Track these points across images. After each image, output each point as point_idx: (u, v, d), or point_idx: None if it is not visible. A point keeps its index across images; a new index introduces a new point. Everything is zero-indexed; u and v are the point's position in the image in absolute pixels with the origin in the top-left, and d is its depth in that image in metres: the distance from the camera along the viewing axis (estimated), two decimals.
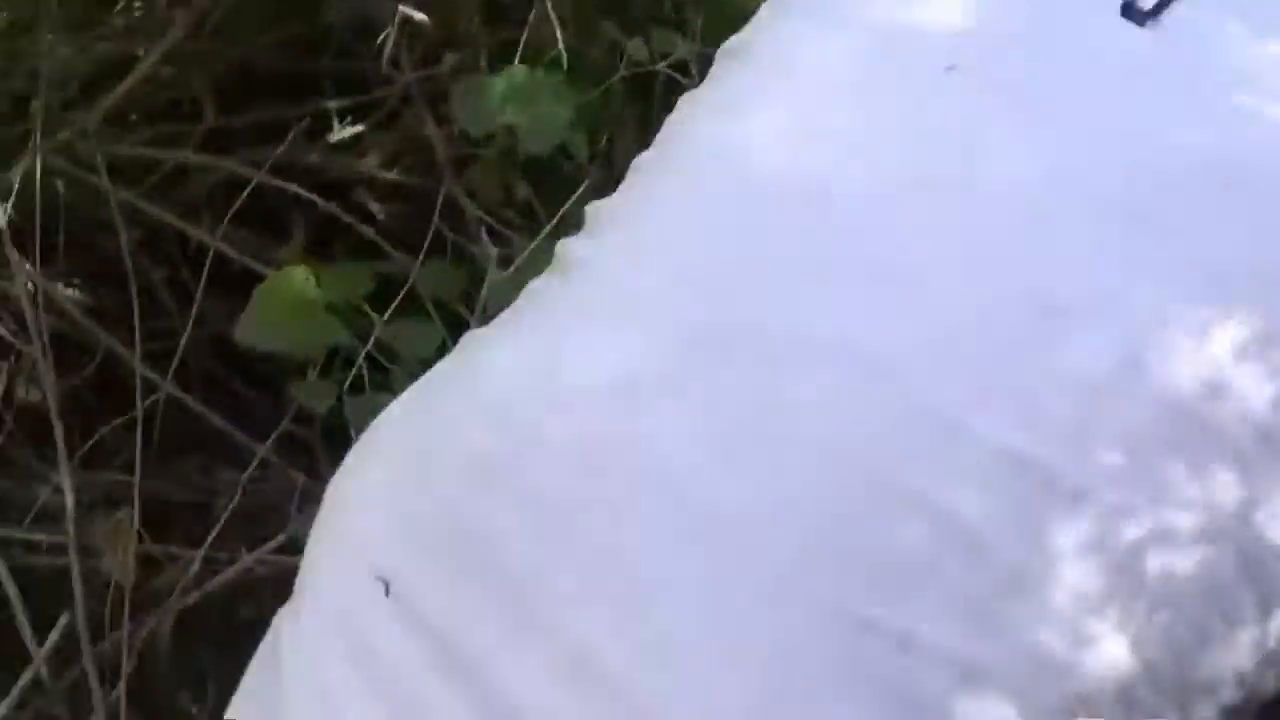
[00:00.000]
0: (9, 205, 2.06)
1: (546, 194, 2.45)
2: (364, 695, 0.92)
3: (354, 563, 0.96)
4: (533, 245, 1.96)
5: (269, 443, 2.30)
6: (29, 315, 2.14)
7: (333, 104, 2.65)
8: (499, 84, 2.10)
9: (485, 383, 1.08)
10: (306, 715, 0.95)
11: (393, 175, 2.66)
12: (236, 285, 2.47)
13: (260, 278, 2.23)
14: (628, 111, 2.43)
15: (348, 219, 2.45)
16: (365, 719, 0.91)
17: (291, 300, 2.10)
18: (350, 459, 1.16)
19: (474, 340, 1.26)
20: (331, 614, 0.96)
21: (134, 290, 2.28)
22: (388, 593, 0.91)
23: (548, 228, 1.97)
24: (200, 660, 2.41)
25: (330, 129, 2.63)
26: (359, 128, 2.67)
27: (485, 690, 0.88)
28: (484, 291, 2.04)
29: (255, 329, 2.12)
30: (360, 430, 2.04)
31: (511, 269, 2.04)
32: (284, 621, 1.05)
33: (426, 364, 2.10)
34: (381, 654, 0.90)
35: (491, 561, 0.90)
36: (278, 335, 2.11)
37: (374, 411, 2.05)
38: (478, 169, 2.49)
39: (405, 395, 1.19)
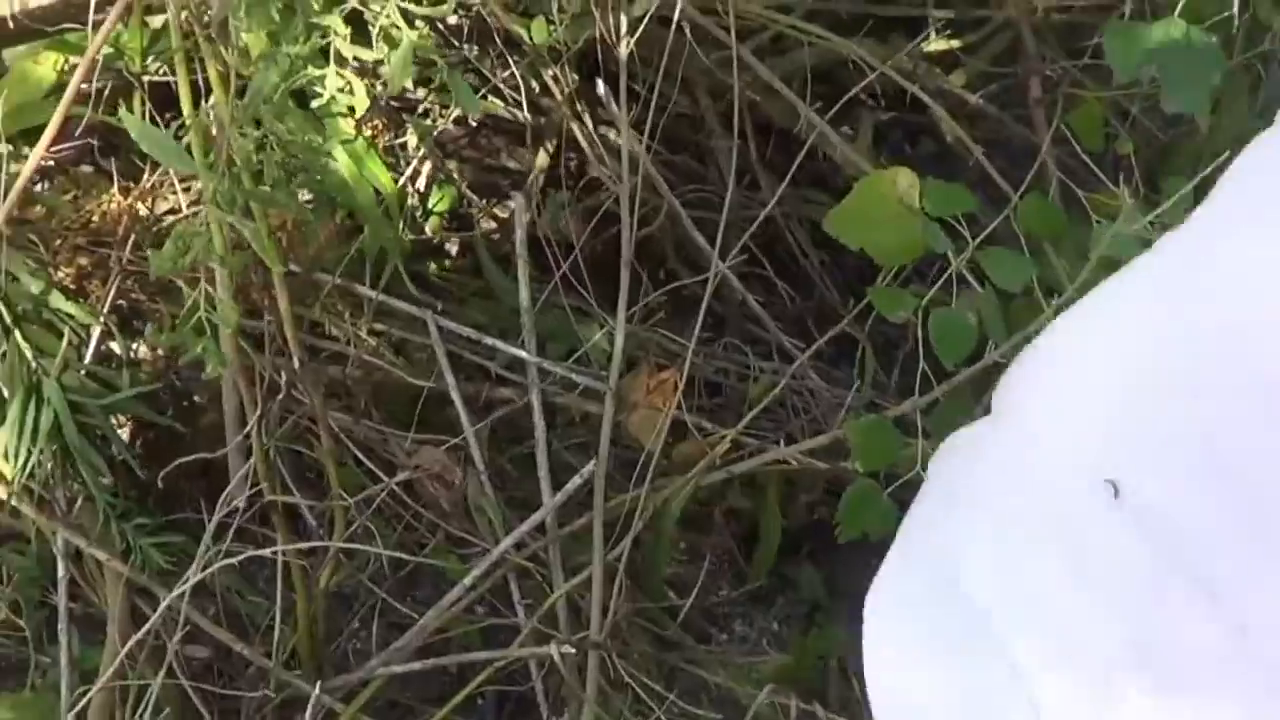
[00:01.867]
0: (631, 40, 2.05)
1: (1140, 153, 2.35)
2: (1081, 592, 0.89)
3: (1075, 463, 0.92)
4: (1151, 216, 1.83)
5: (817, 345, 2.27)
6: (624, 162, 2.14)
7: (935, 13, 2.56)
8: (1154, 33, 1.98)
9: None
10: (1001, 600, 0.92)
11: (974, 99, 2.57)
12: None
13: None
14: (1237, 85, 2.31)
15: (955, 136, 2.37)
16: (1086, 615, 0.88)
17: (893, 203, 2.04)
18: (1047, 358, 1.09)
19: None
20: (1043, 513, 0.92)
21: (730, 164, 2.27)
22: (1116, 495, 0.87)
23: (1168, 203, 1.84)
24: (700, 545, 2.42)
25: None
26: (955, 43, 2.60)
27: (1224, 606, 0.83)
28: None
29: (849, 223, 2.07)
30: (942, 343, 2.01)
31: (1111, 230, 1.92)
32: (967, 516, 1.01)
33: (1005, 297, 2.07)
34: (1103, 555, 0.86)
35: (1232, 470, 0.84)
36: (871, 234, 2.05)
37: (950, 328, 2.03)
38: (1079, 112, 2.39)
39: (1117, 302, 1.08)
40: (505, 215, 2.55)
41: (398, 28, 1.62)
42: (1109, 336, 1.02)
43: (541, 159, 2.40)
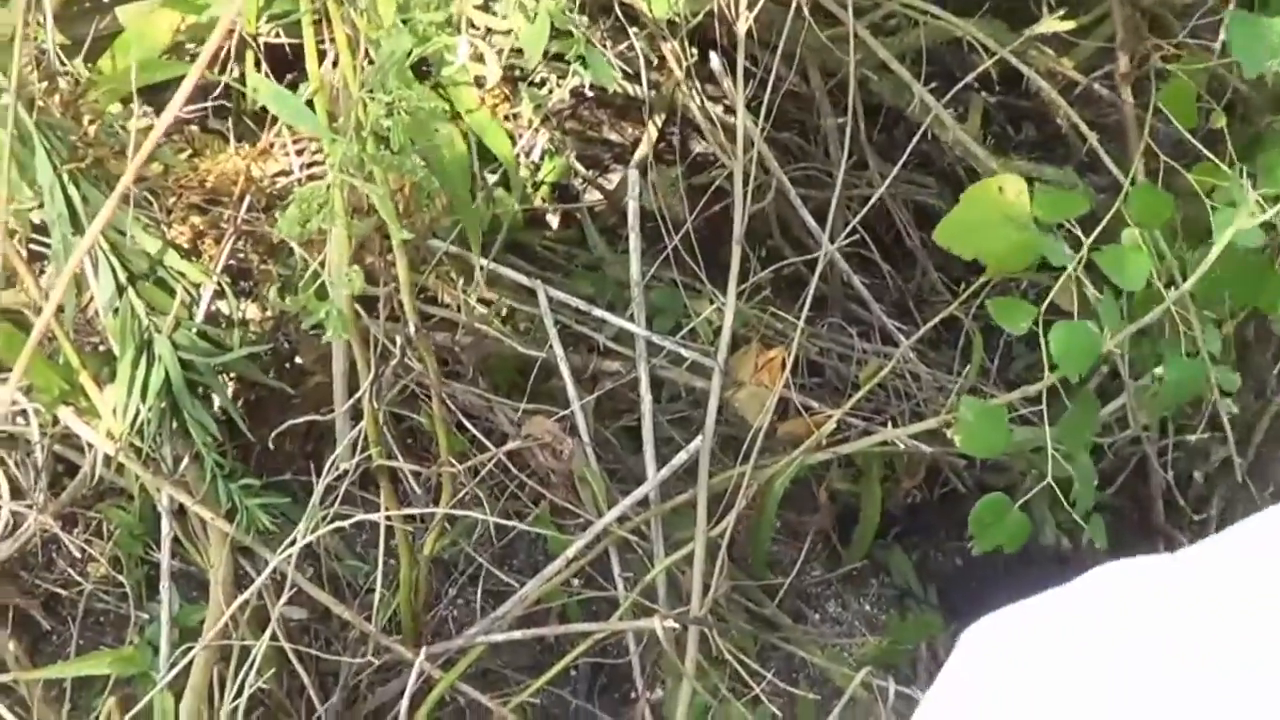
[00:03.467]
0: (751, 16, 2.03)
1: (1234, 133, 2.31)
2: None
3: None
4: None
5: (921, 333, 2.25)
6: (739, 139, 2.13)
7: None
8: (1277, 26, 1.95)
9: None
10: None
11: (1083, 79, 2.54)
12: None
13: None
14: None
15: (1071, 124, 2.34)
16: None
17: (1001, 209, 2.01)
18: None
19: None
20: None
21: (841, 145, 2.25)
22: None
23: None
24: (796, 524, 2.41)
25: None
26: (1068, 24, 2.56)
27: None
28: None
29: (958, 232, 2.05)
30: (1064, 356, 1.98)
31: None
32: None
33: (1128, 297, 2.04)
34: None
35: None
36: (982, 243, 2.03)
37: (1072, 341, 1.99)
38: (1170, 90, 2.35)
39: None
40: (610, 187, 2.54)
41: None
42: None
43: (650, 132, 2.38)
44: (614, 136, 2.62)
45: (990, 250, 2.03)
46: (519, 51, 2.18)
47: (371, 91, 1.68)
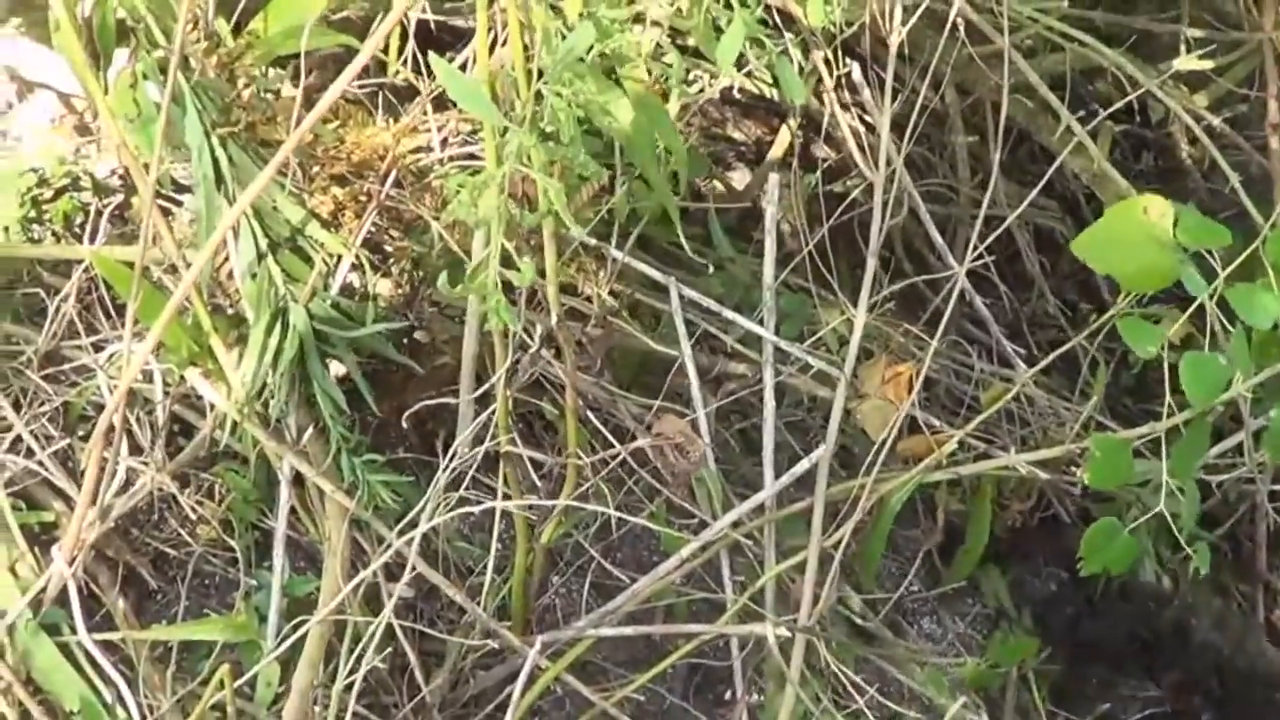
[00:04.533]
0: (904, 30, 2.02)
1: None
2: None
3: None
4: None
5: (1045, 363, 2.23)
6: (882, 152, 2.12)
7: (1189, 31, 2.52)
8: None
9: None
10: None
11: (1216, 120, 2.53)
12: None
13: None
14: None
15: (1193, 160, 2.33)
16: None
17: (1143, 230, 2.00)
18: None
19: None
20: None
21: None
22: None
23: None
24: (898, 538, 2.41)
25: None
26: (1207, 64, 2.55)
27: None
28: None
29: (1096, 247, 2.03)
30: (1192, 384, 1.97)
31: None
32: None
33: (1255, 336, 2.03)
34: None
35: None
36: (1119, 260, 2.01)
37: (1202, 371, 1.99)
38: None
39: None
40: (738, 186, 2.54)
41: (730, 6, 1.60)
42: None
43: (784, 136, 2.38)
44: (738, 135, 2.61)
45: (1126, 268, 2.02)
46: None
47: (549, 83, 1.66)
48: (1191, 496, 2.09)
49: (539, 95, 1.66)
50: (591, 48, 1.69)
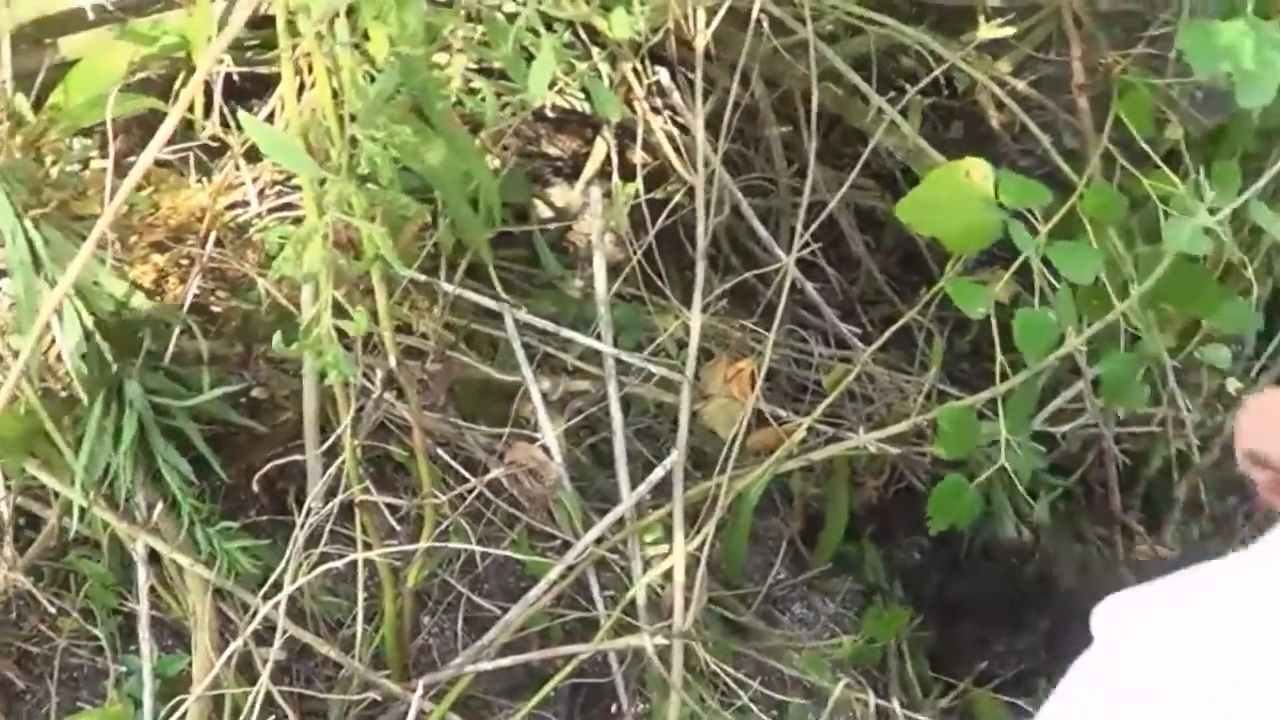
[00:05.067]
0: (709, 32, 2.03)
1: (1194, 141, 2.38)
2: None
3: None
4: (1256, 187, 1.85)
5: (882, 340, 2.26)
6: (699, 154, 2.14)
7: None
8: (1228, 30, 1.99)
9: None
10: None
11: (1020, 85, 2.58)
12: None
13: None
14: None
15: (1003, 125, 2.38)
16: None
17: (965, 191, 2.04)
18: None
19: None
20: None
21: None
22: None
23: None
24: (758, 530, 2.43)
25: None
26: (1007, 30, 2.60)
27: None
28: None
29: (920, 211, 2.06)
30: (1025, 339, 2.02)
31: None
32: None
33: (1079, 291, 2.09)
34: None
35: None
36: (942, 222, 2.05)
37: (1033, 326, 2.04)
38: (1127, 99, 2.40)
39: None
40: (558, 202, 2.54)
41: (535, 32, 1.60)
42: None
43: (599, 148, 2.38)
44: (553, 150, 2.61)
45: (951, 229, 2.06)
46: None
47: (362, 127, 1.65)
48: (1028, 449, 2.14)
49: (353, 140, 1.64)
50: (400, 87, 1.68)
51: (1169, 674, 0.89)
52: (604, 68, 2.12)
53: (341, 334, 1.74)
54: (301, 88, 1.83)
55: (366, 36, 1.70)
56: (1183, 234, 1.90)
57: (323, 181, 1.67)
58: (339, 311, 1.66)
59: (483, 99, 1.71)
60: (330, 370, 1.69)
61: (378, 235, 1.65)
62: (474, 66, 1.85)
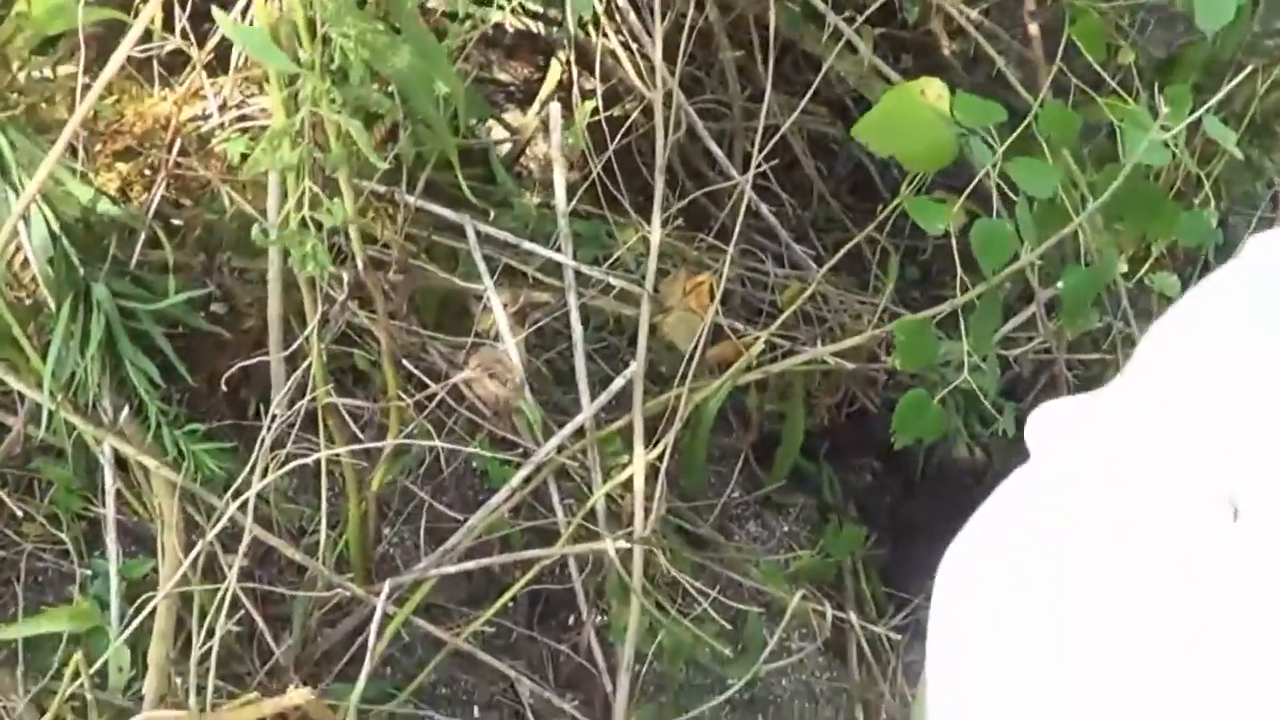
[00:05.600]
0: None
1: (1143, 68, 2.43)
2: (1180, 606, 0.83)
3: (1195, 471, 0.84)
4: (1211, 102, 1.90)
5: (834, 260, 2.30)
6: (657, 70, 2.17)
7: None
8: None
9: None
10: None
11: (973, 12, 2.62)
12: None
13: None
14: None
15: (956, 52, 2.42)
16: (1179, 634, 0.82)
17: (922, 112, 2.07)
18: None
19: None
20: (1153, 509, 0.85)
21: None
22: (1235, 518, 0.80)
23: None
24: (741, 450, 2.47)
25: None
26: None
27: None
28: None
29: (877, 131, 2.09)
30: (984, 251, 2.07)
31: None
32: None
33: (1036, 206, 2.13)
34: (1212, 573, 0.81)
35: None
36: (900, 142, 2.08)
37: (991, 237, 2.09)
38: (1080, 24, 2.45)
39: None
40: (515, 125, 2.56)
41: None
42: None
43: (554, 70, 2.41)
44: (504, 76, 2.63)
45: (909, 148, 2.09)
46: None
47: (332, 26, 1.67)
48: (992, 365, 2.18)
49: (325, 39, 1.66)
50: None
51: (1112, 485, 0.87)
52: None
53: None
54: None
55: None
56: (1140, 146, 1.94)
57: (293, 80, 1.69)
58: (312, 205, 1.68)
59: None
60: (308, 262, 1.72)
61: (354, 129, 1.67)
62: None
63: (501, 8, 2.13)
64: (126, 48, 1.71)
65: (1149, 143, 1.97)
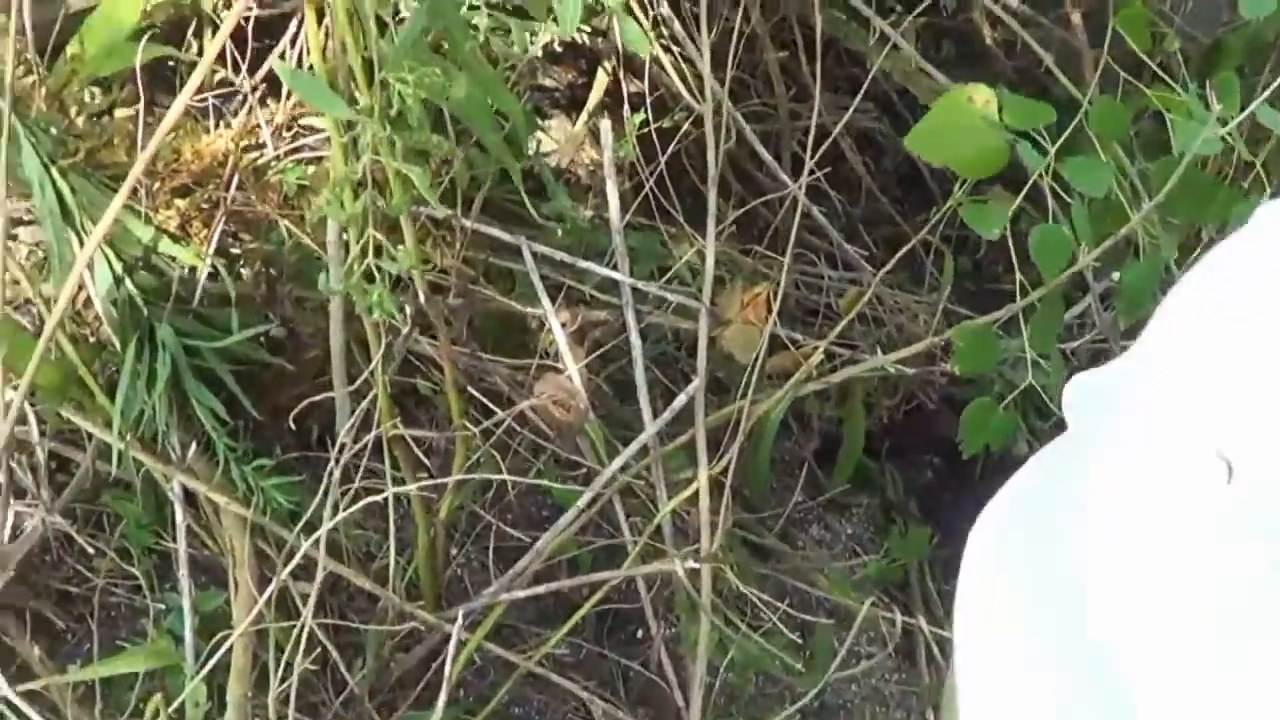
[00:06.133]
0: None
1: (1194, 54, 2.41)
2: (1178, 565, 0.83)
3: (1195, 434, 0.85)
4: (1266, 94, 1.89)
5: (892, 263, 2.29)
6: (707, 82, 2.16)
7: None
8: None
9: None
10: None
11: (1015, 4, 2.61)
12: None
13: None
14: None
15: (998, 43, 2.41)
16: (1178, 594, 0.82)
17: (972, 117, 2.07)
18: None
19: None
20: (1155, 473, 0.86)
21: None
22: (1230, 478, 0.80)
23: None
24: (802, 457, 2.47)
25: None
26: None
27: None
28: None
29: (929, 139, 2.09)
30: (1041, 256, 2.06)
31: None
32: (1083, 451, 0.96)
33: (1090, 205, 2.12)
34: (1208, 534, 0.81)
35: None
36: (952, 149, 2.08)
37: (1049, 241, 2.08)
38: (1124, 14, 2.43)
39: None
40: (557, 134, 2.56)
41: None
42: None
43: (600, 79, 2.40)
44: (549, 82, 2.62)
45: (960, 155, 2.08)
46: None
47: (389, 70, 1.67)
48: (1056, 364, 2.18)
49: (383, 84, 1.66)
50: (426, 29, 1.70)
51: (1124, 452, 0.87)
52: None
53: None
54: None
55: None
56: (1195, 138, 1.93)
57: (349, 125, 1.69)
58: (376, 251, 1.68)
59: (509, 37, 1.73)
60: (375, 309, 1.72)
61: (415, 176, 1.67)
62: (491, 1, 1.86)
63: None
64: (188, 94, 1.71)
65: (1204, 137, 1.96)
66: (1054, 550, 0.86)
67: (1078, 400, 0.95)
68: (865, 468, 2.58)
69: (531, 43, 2.18)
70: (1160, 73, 2.19)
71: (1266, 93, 1.99)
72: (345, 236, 1.83)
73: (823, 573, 2.33)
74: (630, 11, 2.21)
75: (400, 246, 1.69)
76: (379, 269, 1.71)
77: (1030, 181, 2.08)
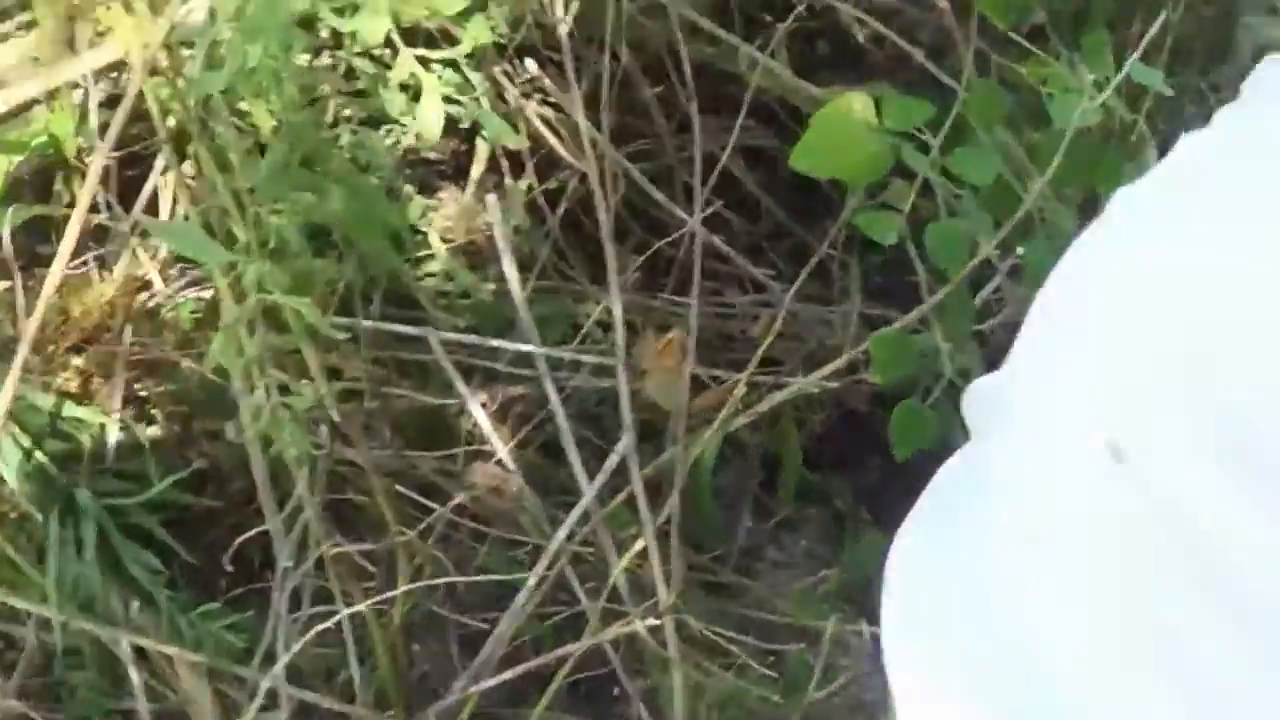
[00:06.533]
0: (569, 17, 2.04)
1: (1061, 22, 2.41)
2: (1082, 555, 0.83)
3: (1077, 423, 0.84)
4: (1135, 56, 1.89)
5: (800, 280, 2.28)
6: (584, 141, 2.14)
7: None
8: None
9: None
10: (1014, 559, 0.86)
11: None
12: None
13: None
14: None
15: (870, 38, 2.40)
16: (1087, 580, 0.82)
17: (852, 127, 2.06)
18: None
19: None
20: (1046, 467, 0.85)
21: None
22: (1119, 459, 0.80)
23: None
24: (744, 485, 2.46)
25: None
26: None
27: (1224, 579, 0.77)
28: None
29: (813, 155, 2.08)
30: (941, 254, 2.06)
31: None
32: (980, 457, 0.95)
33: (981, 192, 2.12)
34: (1106, 519, 0.80)
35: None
36: (837, 161, 2.07)
37: (946, 239, 2.08)
38: None
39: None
40: (448, 207, 2.54)
41: (416, 77, 1.60)
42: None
43: (481, 150, 2.38)
44: (432, 155, 2.59)
45: (848, 165, 2.08)
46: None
47: (261, 202, 1.65)
48: (973, 353, 2.18)
49: (257, 219, 1.64)
50: (291, 154, 1.68)
51: (1018, 448, 0.87)
52: (473, 76, 2.10)
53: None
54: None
55: (243, 112, 1.70)
56: (1073, 110, 1.93)
57: (232, 265, 1.67)
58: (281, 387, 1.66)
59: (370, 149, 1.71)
60: (288, 449, 1.70)
61: (304, 308, 1.64)
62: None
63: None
64: (63, 260, 1.69)
65: (1081, 107, 1.96)
66: (967, 561, 0.81)
67: (974, 406, 0.95)
68: (809, 483, 2.56)
69: (398, 145, 2.17)
70: (1030, 47, 2.18)
71: (1137, 52, 2.00)
72: (249, 377, 1.80)
73: (785, 598, 2.32)
74: (495, 83, 2.19)
75: (304, 381, 1.66)
76: (287, 406, 1.69)
77: (919, 179, 2.08)
